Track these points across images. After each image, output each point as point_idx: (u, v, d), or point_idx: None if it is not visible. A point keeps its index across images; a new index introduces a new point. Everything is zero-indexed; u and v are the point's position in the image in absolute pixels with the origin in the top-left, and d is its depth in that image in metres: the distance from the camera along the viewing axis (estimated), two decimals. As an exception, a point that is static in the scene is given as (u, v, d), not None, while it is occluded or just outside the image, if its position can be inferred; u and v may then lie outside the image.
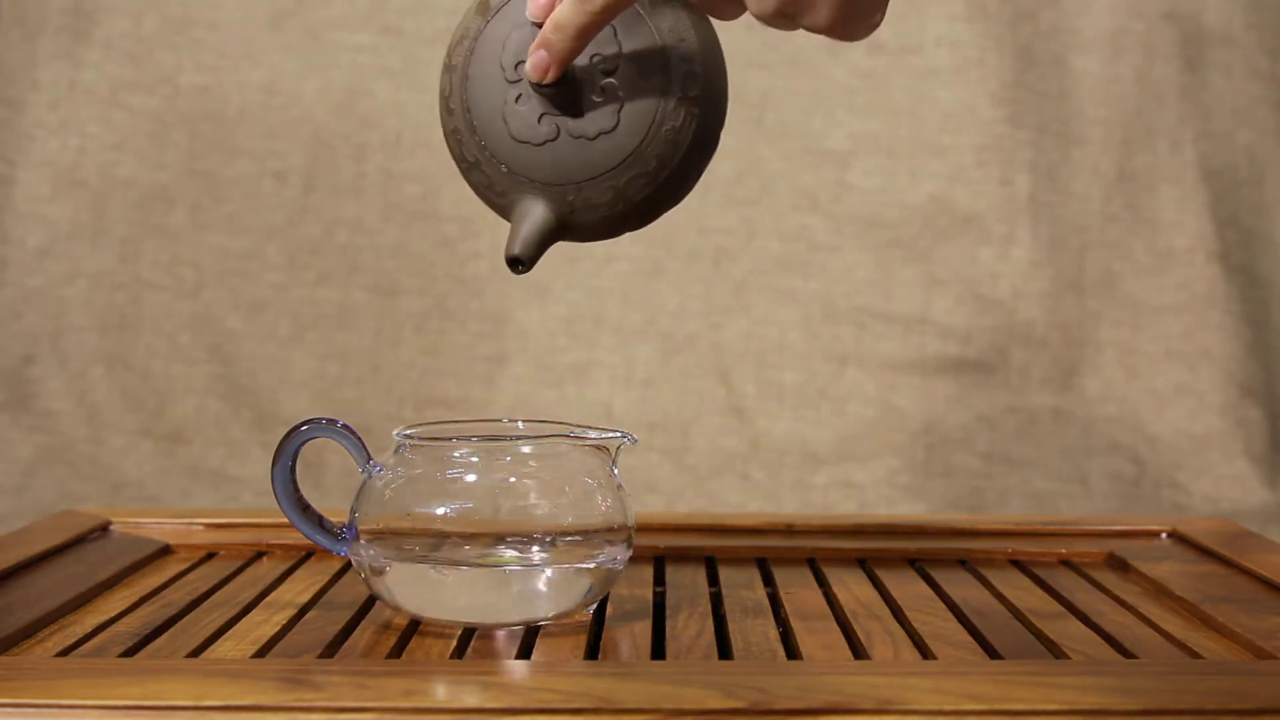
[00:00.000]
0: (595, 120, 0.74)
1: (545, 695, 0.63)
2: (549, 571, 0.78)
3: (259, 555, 0.97)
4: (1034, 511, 1.61)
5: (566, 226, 0.76)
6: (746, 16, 0.74)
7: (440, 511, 0.78)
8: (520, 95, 0.75)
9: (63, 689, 0.64)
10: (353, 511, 0.80)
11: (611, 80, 0.74)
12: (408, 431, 0.81)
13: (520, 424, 0.86)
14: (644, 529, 0.96)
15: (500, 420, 0.88)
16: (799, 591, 0.88)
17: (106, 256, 1.70)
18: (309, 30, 1.72)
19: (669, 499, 1.63)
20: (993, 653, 0.75)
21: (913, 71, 1.69)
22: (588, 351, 1.68)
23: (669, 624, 0.80)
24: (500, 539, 0.78)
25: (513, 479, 0.79)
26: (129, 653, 0.74)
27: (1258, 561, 0.92)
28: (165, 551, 0.98)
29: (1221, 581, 0.89)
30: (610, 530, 0.79)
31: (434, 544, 0.78)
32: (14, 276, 1.70)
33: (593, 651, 0.76)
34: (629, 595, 0.86)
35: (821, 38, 0.74)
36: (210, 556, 0.97)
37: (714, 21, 0.77)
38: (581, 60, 0.74)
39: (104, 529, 1.02)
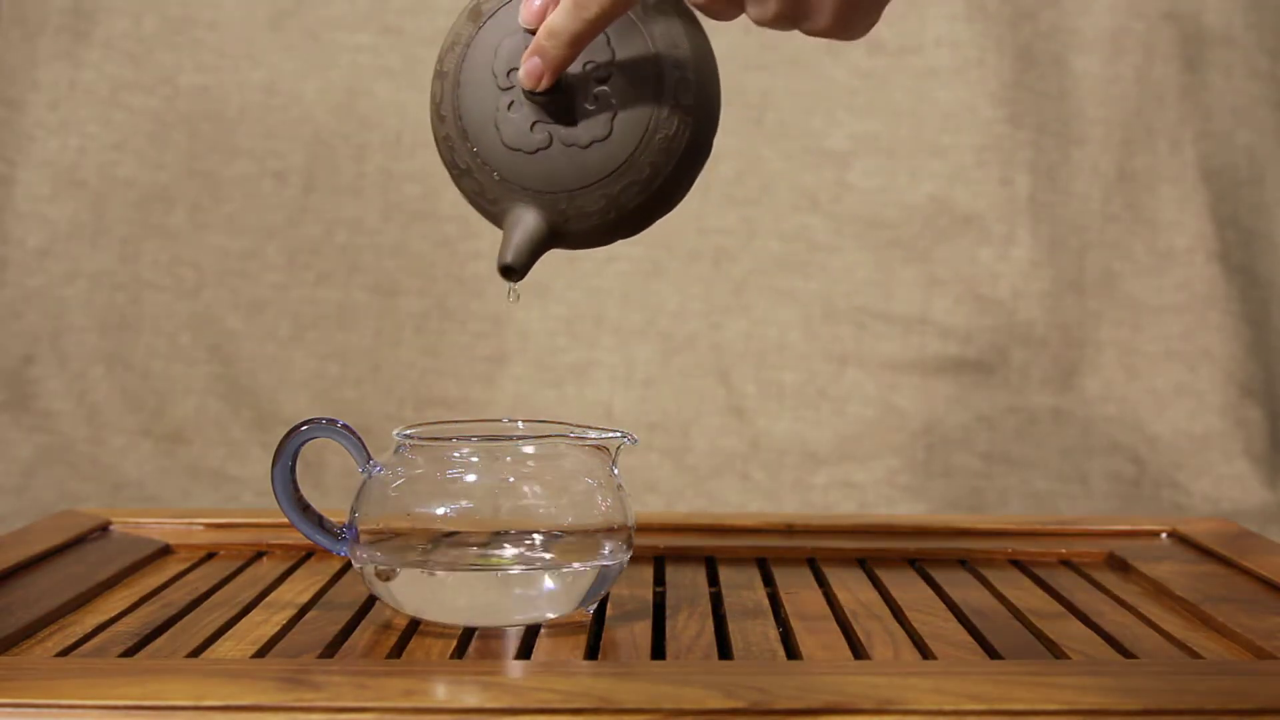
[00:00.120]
0: (588, 128, 0.74)
1: (545, 695, 0.63)
2: (549, 572, 0.78)
3: (259, 555, 0.97)
4: (1034, 511, 1.61)
5: (559, 234, 0.76)
6: (746, 18, 0.74)
7: (440, 511, 0.78)
8: (513, 102, 0.74)
9: (63, 689, 0.64)
10: (353, 511, 0.80)
11: (604, 88, 0.74)
12: (408, 431, 0.81)
13: (520, 424, 0.86)
14: (644, 529, 0.96)
15: (500, 420, 0.88)
16: (799, 591, 0.88)
17: (106, 256, 1.70)
18: (309, 30, 1.72)
19: (669, 499, 1.63)
20: (993, 653, 0.75)
21: (913, 71, 1.69)
22: (588, 351, 1.68)
23: (669, 624, 0.80)
24: (500, 539, 0.78)
25: (513, 479, 0.79)
26: (129, 653, 0.74)
27: (1258, 561, 0.92)
28: (165, 551, 0.98)
29: (1221, 581, 0.89)
30: (610, 530, 0.79)
31: (434, 544, 0.78)
32: (14, 276, 1.70)
33: (593, 651, 0.76)
34: (629, 595, 0.86)
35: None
36: (210, 556, 0.97)
37: (713, 22, 0.77)
38: (575, 68, 0.73)
39: (104, 529, 1.02)
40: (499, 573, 0.78)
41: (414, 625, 0.79)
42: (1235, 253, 1.68)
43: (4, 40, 1.72)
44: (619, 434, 0.81)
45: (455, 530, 0.78)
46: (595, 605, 0.81)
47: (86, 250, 1.71)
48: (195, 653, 0.74)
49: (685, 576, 0.92)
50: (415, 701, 0.63)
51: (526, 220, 0.75)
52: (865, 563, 0.96)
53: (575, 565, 0.78)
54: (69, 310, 1.70)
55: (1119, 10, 1.69)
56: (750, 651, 0.75)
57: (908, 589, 0.89)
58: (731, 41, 1.73)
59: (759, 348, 1.68)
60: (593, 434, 0.80)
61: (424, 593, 0.78)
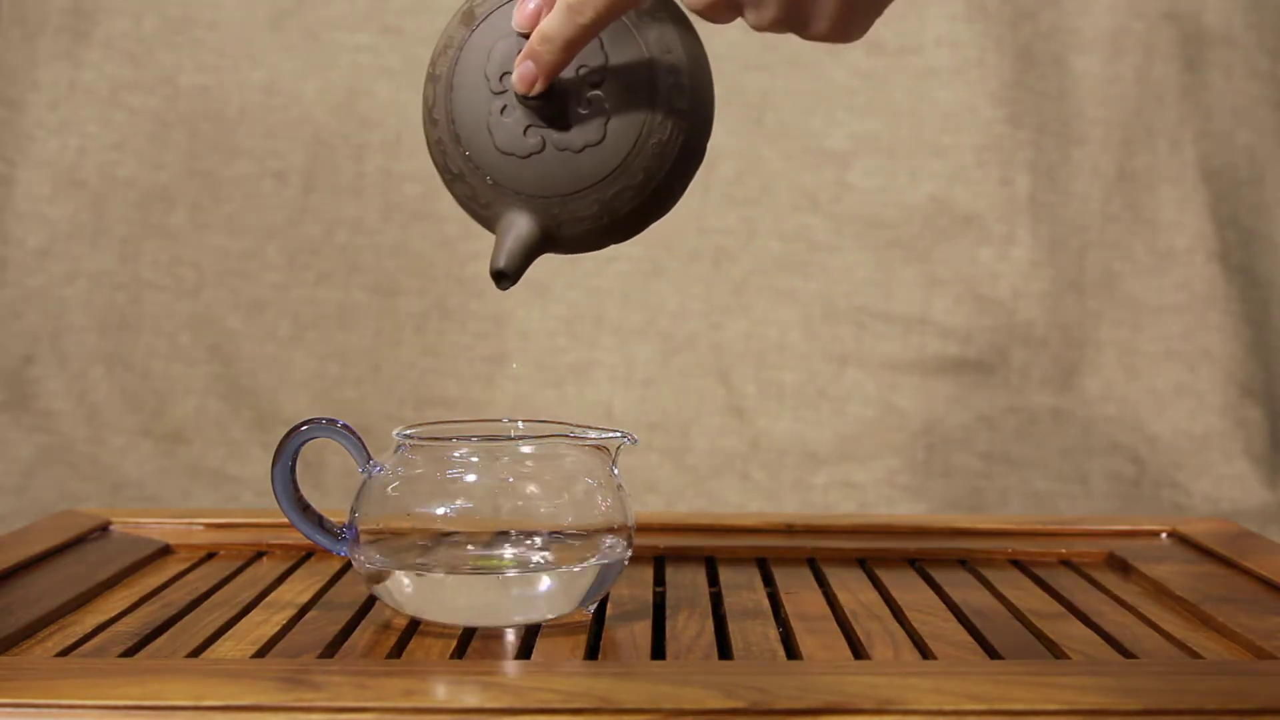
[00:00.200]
0: (582, 133, 0.74)
1: (545, 695, 0.63)
2: (549, 572, 0.78)
3: (259, 555, 0.97)
4: (1034, 511, 1.61)
5: (551, 239, 0.76)
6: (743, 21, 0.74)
7: (440, 511, 0.78)
8: (505, 106, 0.74)
9: (63, 689, 0.64)
10: (353, 511, 0.80)
11: (598, 92, 0.74)
12: (408, 431, 0.81)
13: (520, 424, 0.86)
14: (644, 529, 0.96)
15: (500, 420, 0.88)
16: (799, 592, 0.88)
17: (106, 256, 1.70)
18: (309, 30, 1.72)
19: (669, 499, 1.63)
20: (993, 653, 0.76)
21: (913, 71, 1.69)
22: (588, 351, 1.68)
23: (669, 624, 0.80)
24: (500, 539, 0.78)
25: (513, 479, 0.79)
26: (129, 653, 0.74)
27: (1258, 561, 0.92)
28: (165, 551, 0.98)
29: (1221, 581, 0.89)
30: (610, 530, 0.79)
31: (434, 544, 0.78)
32: (14, 276, 1.70)
33: (593, 651, 0.76)
34: (629, 595, 0.86)
35: None
36: (210, 556, 0.97)
37: (712, 24, 0.77)
38: (568, 72, 0.73)
39: (104, 529, 1.02)
40: (499, 573, 0.78)
41: (414, 625, 0.79)
42: (1235, 253, 1.68)
43: (4, 40, 1.72)
44: (619, 434, 0.81)
45: (455, 530, 0.78)
46: (595, 605, 0.81)
47: (86, 250, 1.71)
48: (195, 653, 0.74)
49: (685, 576, 0.92)
50: (415, 701, 0.63)
51: (519, 225, 0.75)
52: (865, 563, 0.96)
53: (575, 565, 0.78)
54: (69, 310, 1.70)
55: (1119, 10, 1.69)
56: (750, 651, 0.75)
57: (908, 589, 0.89)
58: (731, 42, 1.73)
59: (759, 348, 1.68)
60: (593, 434, 0.80)
61: (424, 593, 0.78)
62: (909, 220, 1.68)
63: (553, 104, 0.73)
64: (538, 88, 0.73)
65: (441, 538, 0.78)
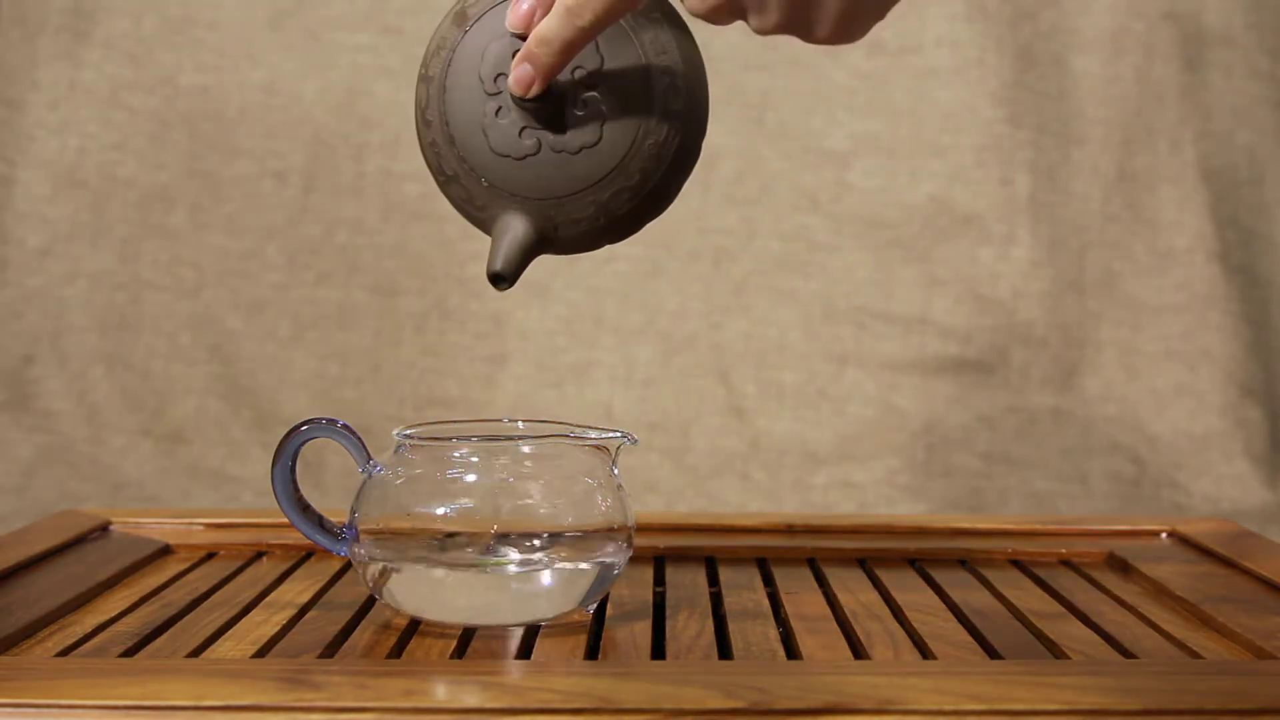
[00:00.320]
0: (578, 134, 0.74)
1: (545, 695, 0.63)
2: (549, 571, 0.78)
3: (259, 555, 0.97)
4: (1034, 511, 1.61)
5: (548, 241, 0.76)
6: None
7: (440, 511, 0.78)
8: (500, 108, 0.74)
9: (63, 689, 0.64)
10: (353, 511, 0.80)
11: (594, 94, 0.74)
12: (408, 431, 0.81)
13: (520, 424, 0.86)
14: (644, 529, 0.96)
15: (500, 420, 0.88)
16: (799, 592, 0.88)
17: (106, 256, 1.70)
18: (309, 30, 1.72)
19: (669, 499, 1.63)
20: (993, 653, 0.76)
21: (913, 71, 1.69)
22: (588, 351, 1.68)
23: (669, 624, 0.80)
24: (500, 539, 0.78)
25: (513, 479, 0.79)
26: (129, 653, 0.74)
27: (1258, 561, 0.92)
28: (165, 551, 0.98)
29: (1221, 581, 0.89)
30: (610, 530, 0.79)
31: (434, 544, 0.78)
32: (14, 276, 1.70)
33: (593, 651, 0.76)
34: (629, 595, 0.86)
35: None
36: (210, 556, 0.97)
37: (711, 25, 0.77)
38: (564, 74, 0.73)
39: (104, 529, 1.02)
40: (499, 572, 0.78)
41: (414, 625, 0.79)
42: (1235, 253, 1.68)
43: (4, 40, 1.72)
44: (619, 434, 0.81)
45: (455, 530, 0.78)
46: (595, 605, 0.81)
47: (86, 250, 1.71)
48: (195, 653, 0.74)
49: (685, 576, 0.92)
50: (415, 701, 0.63)
51: (515, 227, 0.75)
52: (865, 563, 0.96)
53: (575, 565, 0.78)
54: (69, 310, 1.70)
55: (1119, 10, 1.69)
56: (750, 651, 0.75)
57: (908, 589, 0.89)
58: (732, 42, 1.73)
59: (759, 348, 1.68)
60: (593, 434, 0.80)
61: (424, 592, 0.78)
62: (909, 220, 1.68)
63: (549, 106, 0.73)
64: (535, 90, 0.72)
65: (441, 538, 0.78)
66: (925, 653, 0.75)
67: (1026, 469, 1.64)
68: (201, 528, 1.02)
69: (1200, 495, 1.62)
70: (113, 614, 0.81)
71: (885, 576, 0.92)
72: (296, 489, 0.81)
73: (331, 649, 0.76)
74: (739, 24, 0.73)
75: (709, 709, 0.63)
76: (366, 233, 1.71)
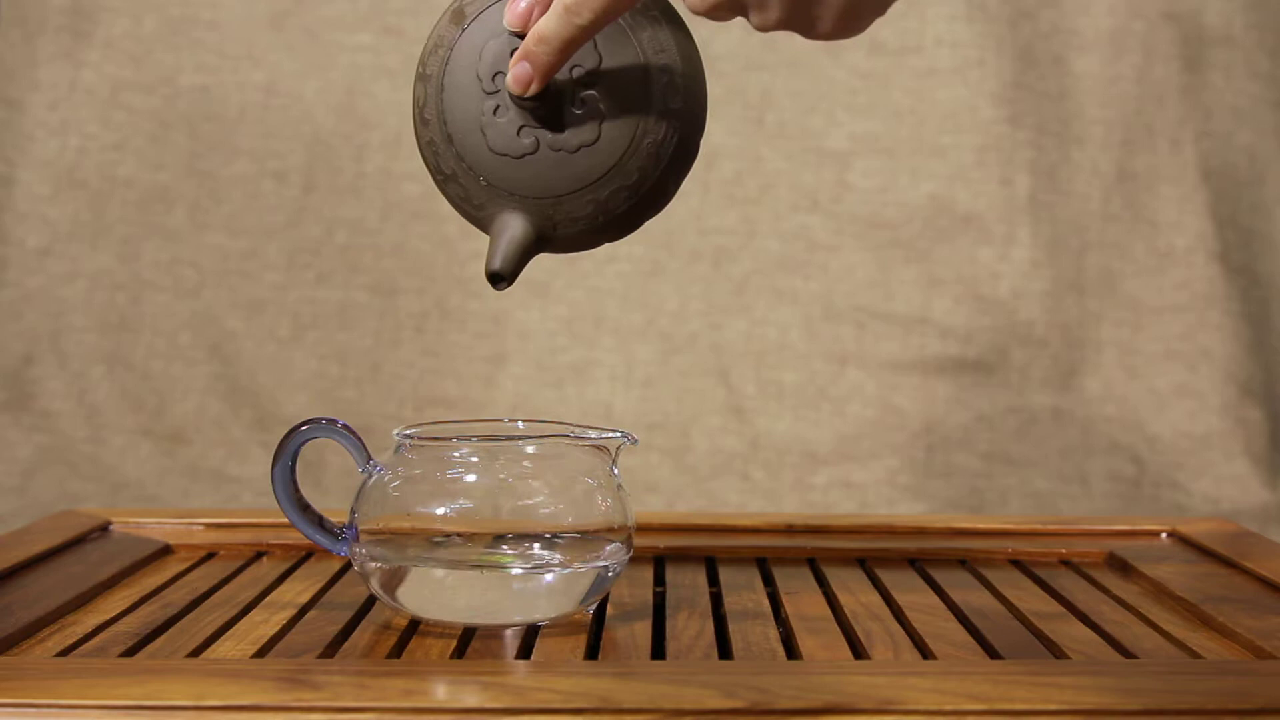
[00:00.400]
0: (576, 133, 0.74)
1: (545, 695, 0.63)
2: (549, 571, 0.78)
3: (259, 555, 0.97)
4: (1034, 511, 1.61)
5: (546, 239, 0.76)
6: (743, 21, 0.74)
7: (440, 511, 0.78)
8: (498, 107, 0.74)
9: (63, 689, 0.64)
10: (353, 511, 0.80)
11: (592, 93, 0.74)
12: (408, 431, 0.81)
13: (520, 424, 0.86)
14: (644, 529, 0.96)
15: (500, 420, 0.88)
16: (799, 592, 0.88)
17: (106, 256, 1.70)
18: (309, 30, 1.72)
19: (669, 499, 1.63)
20: (993, 653, 0.75)
21: (913, 71, 1.69)
22: (588, 351, 1.68)
23: (669, 624, 0.80)
24: (500, 539, 0.78)
25: (513, 479, 0.79)
26: (129, 653, 0.74)
27: (1258, 561, 0.92)
28: (165, 551, 0.98)
29: (1221, 581, 0.89)
30: (610, 530, 0.79)
31: (434, 544, 0.78)
32: (14, 276, 1.70)
33: (593, 651, 0.76)
34: (629, 595, 0.86)
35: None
36: (210, 556, 0.97)
37: (713, 22, 0.77)
38: (562, 73, 0.73)
39: (104, 529, 1.02)
40: (499, 573, 0.78)
41: (414, 625, 0.79)
42: (1235, 253, 1.68)
43: (4, 40, 1.72)
44: (619, 434, 0.81)
45: (455, 530, 0.78)
46: (595, 605, 0.81)
47: (86, 250, 1.71)
48: (195, 653, 0.74)
49: (685, 576, 0.92)
50: (415, 701, 0.63)
51: (514, 226, 0.75)
52: (865, 563, 0.96)
53: (575, 565, 0.78)
54: (69, 310, 1.70)
55: (1119, 10, 1.69)
56: (750, 651, 0.75)
57: (908, 589, 0.89)
58: (732, 41, 1.73)
59: (759, 348, 1.68)
60: (593, 434, 0.80)
61: (424, 592, 0.78)
62: (909, 220, 1.68)
63: (547, 105, 0.73)
64: (534, 89, 0.72)
65: (441, 538, 0.78)
66: (925, 653, 0.75)
67: (1026, 469, 1.64)
68: (201, 528, 1.02)
69: (1200, 495, 1.62)
70: (113, 614, 0.81)
71: (885, 576, 0.92)
72: (296, 489, 0.81)
73: (331, 649, 0.76)
74: (739, 22, 0.73)
75: (709, 709, 0.63)
76: (366, 233, 1.71)
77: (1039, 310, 1.67)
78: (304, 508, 0.81)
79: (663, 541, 0.99)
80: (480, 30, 0.75)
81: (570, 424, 0.82)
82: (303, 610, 0.83)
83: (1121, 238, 1.68)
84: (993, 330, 1.67)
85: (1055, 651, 0.76)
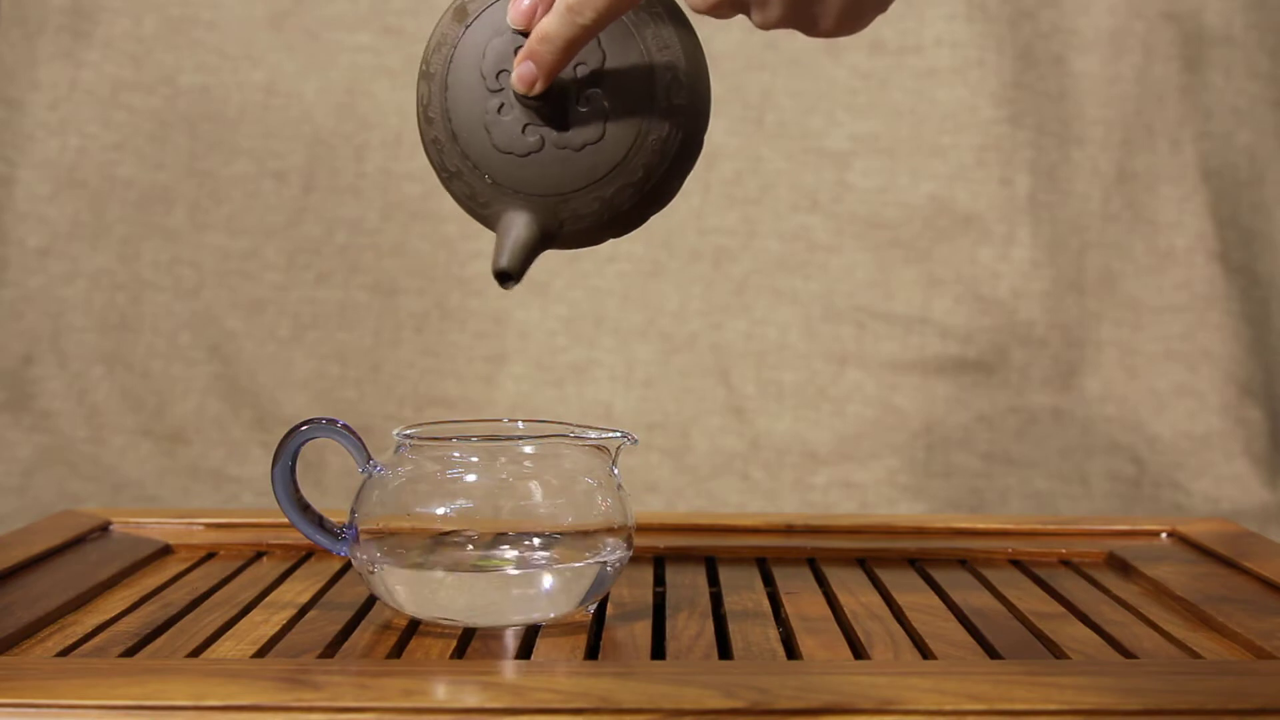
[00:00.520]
0: (581, 131, 0.74)
1: (545, 695, 0.63)
2: (549, 572, 0.78)
3: (259, 555, 0.97)
4: (1034, 511, 1.61)
5: (552, 236, 0.76)
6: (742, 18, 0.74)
7: (440, 511, 0.78)
8: (503, 105, 0.74)
9: (63, 689, 0.64)
10: (353, 511, 0.80)
11: (597, 91, 0.74)
12: (408, 431, 0.81)
13: (520, 424, 0.86)
14: (644, 529, 0.96)
15: (500, 420, 0.88)
16: (799, 592, 0.88)
17: (106, 256, 1.70)
18: (309, 30, 1.72)
19: (669, 499, 1.63)
20: (993, 653, 0.75)
21: (913, 71, 1.69)
22: (588, 351, 1.68)
23: (669, 624, 0.80)
24: (500, 539, 0.78)
25: (513, 479, 0.79)
26: (129, 653, 0.74)
27: (1258, 561, 0.92)
28: (165, 551, 0.98)
29: (1221, 581, 0.89)
30: (610, 530, 0.79)
31: (434, 544, 0.78)
32: (14, 276, 1.70)
33: (593, 651, 0.76)
34: (629, 595, 0.86)
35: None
36: (210, 556, 0.97)
37: (714, 22, 0.77)
38: (566, 71, 0.73)
39: (104, 529, 1.02)
40: (499, 573, 0.78)
41: (414, 625, 0.79)
42: (1235, 253, 1.68)
43: (4, 40, 1.72)
44: (619, 434, 0.81)
45: (455, 530, 0.78)
46: (595, 605, 0.81)
47: (86, 250, 1.71)
48: (195, 653, 0.74)
49: (685, 576, 0.92)
50: (415, 701, 0.63)
51: (520, 224, 0.75)
52: (865, 563, 0.96)
53: (575, 565, 0.78)
54: (69, 310, 1.70)
55: (1119, 10, 1.69)
56: (750, 651, 0.75)
57: (908, 589, 0.89)
58: (732, 41, 1.73)
59: (759, 348, 1.68)
60: (593, 434, 0.80)
61: (424, 592, 0.78)
62: (909, 220, 1.68)
63: (552, 103, 0.73)
64: (538, 88, 0.72)
65: (441, 538, 0.78)
66: (925, 653, 0.75)
67: (1026, 469, 1.64)
68: (201, 528, 1.02)
69: (1200, 495, 1.62)
70: (113, 614, 0.81)
71: (885, 576, 0.92)
72: (296, 489, 0.81)
73: (331, 649, 0.76)
74: (740, 21, 0.73)
75: (709, 709, 0.63)
76: (366, 233, 1.71)
77: (1039, 310, 1.67)
78: (304, 508, 0.81)
79: (663, 541, 0.99)
80: (483, 28, 0.75)
81: (570, 424, 0.82)
82: (303, 610, 0.83)
83: (1121, 238, 1.68)
84: (993, 330, 1.67)
85: (1055, 651, 0.76)
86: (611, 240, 0.78)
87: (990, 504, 1.63)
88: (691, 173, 0.78)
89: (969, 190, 1.68)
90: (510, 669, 0.70)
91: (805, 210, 1.69)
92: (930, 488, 1.63)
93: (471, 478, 0.79)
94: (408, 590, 0.78)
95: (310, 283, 1.70)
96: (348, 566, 0.92)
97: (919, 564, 0.96)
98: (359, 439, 0.81)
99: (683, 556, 0.97)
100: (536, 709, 0.63)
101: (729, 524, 1.04)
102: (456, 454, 0.79)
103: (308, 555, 0.96)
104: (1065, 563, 0.98)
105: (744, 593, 0.88)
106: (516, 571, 0.78)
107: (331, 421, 0.81)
